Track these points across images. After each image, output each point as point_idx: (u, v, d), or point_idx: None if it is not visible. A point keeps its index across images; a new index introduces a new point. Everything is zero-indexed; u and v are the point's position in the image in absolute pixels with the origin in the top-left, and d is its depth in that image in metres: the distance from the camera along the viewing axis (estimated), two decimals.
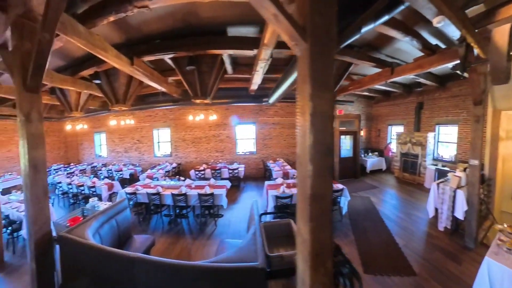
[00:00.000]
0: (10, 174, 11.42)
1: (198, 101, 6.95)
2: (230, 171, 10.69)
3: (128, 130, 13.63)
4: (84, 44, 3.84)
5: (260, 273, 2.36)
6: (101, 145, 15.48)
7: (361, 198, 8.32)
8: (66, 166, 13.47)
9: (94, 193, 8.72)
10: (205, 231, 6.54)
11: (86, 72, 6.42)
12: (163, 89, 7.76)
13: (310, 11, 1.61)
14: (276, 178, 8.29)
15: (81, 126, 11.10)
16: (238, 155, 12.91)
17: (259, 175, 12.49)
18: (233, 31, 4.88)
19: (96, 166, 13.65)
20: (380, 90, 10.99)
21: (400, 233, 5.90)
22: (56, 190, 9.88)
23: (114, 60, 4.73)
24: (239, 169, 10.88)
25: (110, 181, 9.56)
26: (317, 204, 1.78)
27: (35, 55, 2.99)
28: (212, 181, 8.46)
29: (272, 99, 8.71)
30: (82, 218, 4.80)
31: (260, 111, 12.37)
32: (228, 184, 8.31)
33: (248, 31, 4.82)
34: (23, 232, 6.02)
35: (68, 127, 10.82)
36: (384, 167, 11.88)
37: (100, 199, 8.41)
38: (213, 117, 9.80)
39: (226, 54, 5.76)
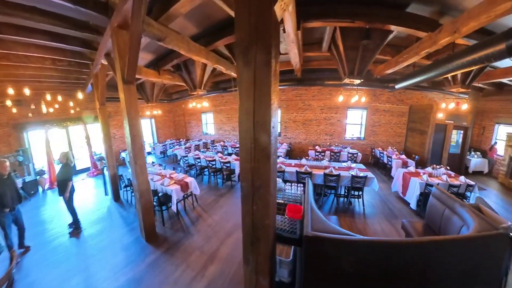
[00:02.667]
0: None
1: (348, 80, 5.25)
2: (350, 154, 8.87)
3: (236, 110, 11.90)
4: None
5: (506, 237, 2.34)
6: (207, 124, 14.21)
7: None
8: (177, 141, 12.72)
9: (229, 167, 7.17)
10: (354, 210, 5.69)
11: (224, 41, 4.63)
12: (297, 65, 5.99)
13: None
14: (408, 167, 7.05)
15: (201, 105, 9.75)
16: (346, 139, 10.79)
17: (364, 161, 10.16)
18: (413, 8, 3.51)
19: (207, 142, 12.44)
20: (493, 82, 7.82)
21: None
22: (181, 162, 8.67)
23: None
24: (358, 154, 8.96)
25: (237, 157, 8.04)
26: None
27: None
28: (349, 163, 6.98)
29: (400, 85, 6.54)
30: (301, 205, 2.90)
31: (374, 96, 9.98)
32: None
33: (424, 10, 3.52)
34: (173, 207, 5.02)
35: (192, 104, 9.43)
36: (486, 169, 8.88)
37: (231, 173, 6.91)
38: (355, 99, 7.73)
39: (395, 32, 4.00)
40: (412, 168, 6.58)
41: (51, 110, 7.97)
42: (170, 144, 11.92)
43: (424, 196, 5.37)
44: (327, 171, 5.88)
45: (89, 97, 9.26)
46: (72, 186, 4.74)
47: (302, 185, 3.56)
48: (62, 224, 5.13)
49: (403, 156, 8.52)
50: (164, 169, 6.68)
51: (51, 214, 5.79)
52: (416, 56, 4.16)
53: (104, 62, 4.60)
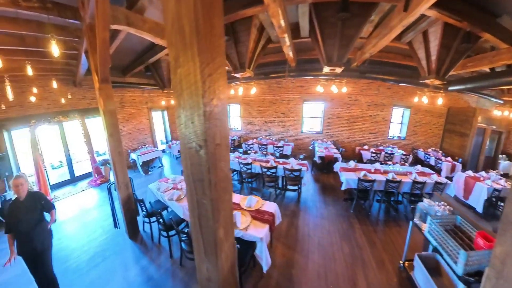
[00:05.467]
0: (146, 147, 7.47)
1: (429, 81, 4.20)
2: (403, 156, 6.94)
3: (271, 102, 8.91)
4: None
5: None
6: (230, 117, 10.43)
7: None
8: None
9: (298, 176, 4.55)
10: None
11: None
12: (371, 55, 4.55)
13: None
14: (467, 170, 5.74)
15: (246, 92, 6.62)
16: (389, 138, 8.57)
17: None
18: (503, 19, 2.92)
19: (234, 139, 9.11)
20: None
21: None
22: None
23: None
24: (410, 156, 7.11)
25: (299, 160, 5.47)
26: None
27: None
28: (418, 167, 5.39)
29: (453, 87, 5.62)
30: None
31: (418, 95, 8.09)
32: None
33: (507, 23, 2.92)
34: (266, 266, 2.44)
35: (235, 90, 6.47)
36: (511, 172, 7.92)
37: (297, 183, 4.43)
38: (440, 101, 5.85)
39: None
40: (471, 172, 5.44)
41: (32, 98, 4.82)
42: (175, 143, 8.38)
43: (487, 201, 4.62)
44: (411, 177, 4.50)
45: (86, 82, 6.20)
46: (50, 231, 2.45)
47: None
48: None
49: (449, 159, 7.00)
50: None
51: None
52: (490, 64, 3.80)
53: None
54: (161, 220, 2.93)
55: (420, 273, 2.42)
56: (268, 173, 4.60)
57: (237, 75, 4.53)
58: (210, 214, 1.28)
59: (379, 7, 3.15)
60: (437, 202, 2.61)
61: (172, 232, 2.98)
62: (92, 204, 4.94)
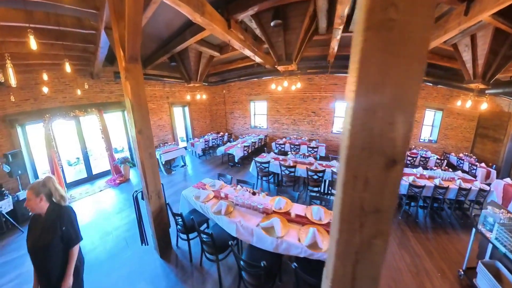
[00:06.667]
0: (169, 144, 6.80)
1: (474, 85, 3.97)
2: (438, 160, 6.52)
3: (301, 100, 8.11)
4: None
5: None
6: (255, 115, 9.58)
7: None
8: (219, 135, 8.36)
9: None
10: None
11: None
12: None
13: None
14: (506, 178, 5.10)
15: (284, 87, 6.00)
16: (420, 142, 7.91)
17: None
18: None
19: (262, 138, 8.10)
20: None
21: None
22: (252, 169, 4.93)
23: None
24: (444, 161, 6.70)
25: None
26: None
27: None
28: (459, 173, 4.97)
29: (491, 91, 4.81)
30: None
31: (451, 97, 7.42)
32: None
33: None
34: None
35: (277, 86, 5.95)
36: None
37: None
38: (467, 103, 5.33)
39: None
40: (509, 180, 4.87)
41: (45, 89, 4.08)
42: (212, 139, 7.67)
43: None
44: (456, 183, 4.05)
45: (104, 73, 5.52)
46: (81, 256, 1.80)
47: None
48: None
49: (483, 165, 6.34)
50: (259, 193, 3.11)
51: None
52: None
53: None
54: (209, 240, 2.20)
55: (484, 281, 2.37)
56: (315, 177, 3.94)
57: (280, 68, 3.80)
58: (380, 259, 0.73)
59: (437, 7, 2.96)
60: (497, 210, 2.54)
61: (222, 255, 2.29)
62: (111, 208, 4.30)
